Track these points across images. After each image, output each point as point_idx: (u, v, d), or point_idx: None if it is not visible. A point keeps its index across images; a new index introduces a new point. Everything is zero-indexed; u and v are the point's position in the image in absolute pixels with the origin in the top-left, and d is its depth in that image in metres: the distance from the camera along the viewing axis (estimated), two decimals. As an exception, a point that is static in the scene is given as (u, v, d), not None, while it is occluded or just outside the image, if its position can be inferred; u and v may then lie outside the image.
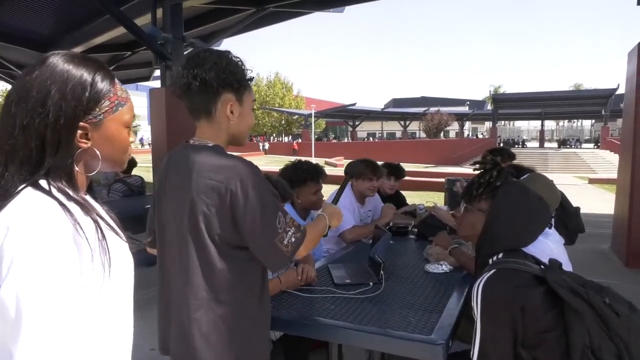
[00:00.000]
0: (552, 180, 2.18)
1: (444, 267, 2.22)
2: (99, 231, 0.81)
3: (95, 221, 0.82)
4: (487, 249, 1.51)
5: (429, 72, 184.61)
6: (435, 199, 10.37)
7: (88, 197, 0.91)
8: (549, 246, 2.06)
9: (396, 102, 59.04)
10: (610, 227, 6.14)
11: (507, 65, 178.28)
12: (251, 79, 1.38)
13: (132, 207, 4.80)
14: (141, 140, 46.36)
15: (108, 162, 0.90)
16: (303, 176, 2.60)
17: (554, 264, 1.43)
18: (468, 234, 1.65)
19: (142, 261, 4.70)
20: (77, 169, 0.85)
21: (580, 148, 35.95)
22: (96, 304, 0.81)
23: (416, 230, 3.05)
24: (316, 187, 2.62)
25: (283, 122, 46.69)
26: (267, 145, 40.78)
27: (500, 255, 1.47)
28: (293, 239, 1.29)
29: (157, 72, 9.65)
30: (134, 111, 0.94)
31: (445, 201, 7.50)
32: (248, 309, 1.31)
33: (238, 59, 1.35)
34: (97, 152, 0.86)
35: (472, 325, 1.41)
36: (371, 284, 2.00)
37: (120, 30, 7.86)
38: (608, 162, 24.56)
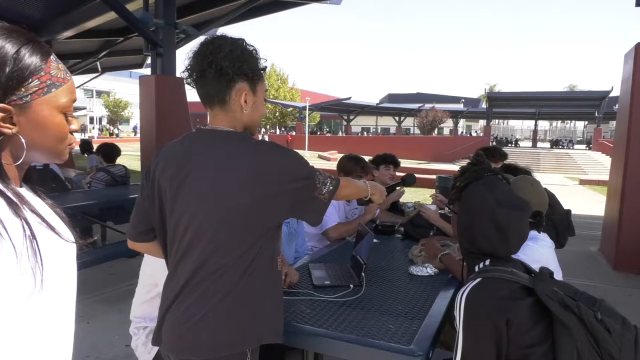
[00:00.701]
0: (538, 182, 2.10)
1: (429, 270, 2.14)
2: (27, 229, 0.70)
3: (23, 218, 0.70)
4: (470, 254, 1.44)
5: (425, 69, 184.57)
6: (429, 198, 10.31)
7: (25, 190, 0.80)
8: (538, 252, 1.99)
9: (391, 98, 58.90)
10: (599, 229, 6.12)
11: (503, 64, 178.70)
12: (264, 69, 1.35)
13: (115, 197, 4.68)
14: (134, 128, 45.91)
15: (39, 151, 0.79)
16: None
17: (544, 274, 1.35)
18: (454, 235, 1.59)
19: (124, 252, 4.58)
20: (2, 158, 0.74)
21: (573, 149, 36.12)
22: (24, 315, 0.71)
23: (403, 229, 2.97)
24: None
25: (277, 114, 46.43)
26: (266, 138, 40.14)
27: (488, 262, 1.39)
28: (331, 187, 1.32)
29: (150, 60, 9.48)
30: (74, 94, 0.82)
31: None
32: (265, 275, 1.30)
33: (252, 48, 1.31)
34: (22, 140, 0.75)
35: (456, 333, 1.34)
36: (351, 286, 1.91)
37: (112, 15, 7.69)
38: (599, 164, 24.71)
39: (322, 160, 24.37)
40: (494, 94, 36.13)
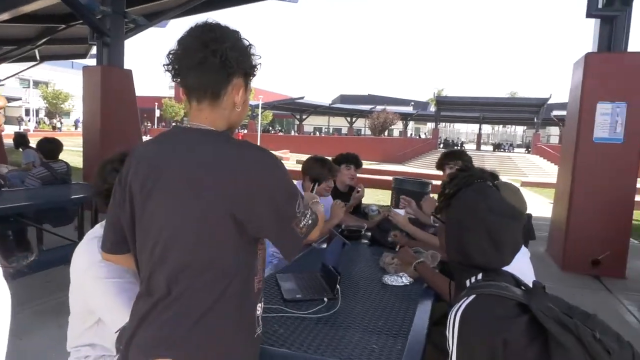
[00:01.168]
0: (518, 189, 2.06)
1: (403, 280, 2.04)
2: None
3: None
4: (460, 268, 1.34)
5: (377, 71, 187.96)
6: (385, 199, 10.39)
7: None
8: (518, 260, 1.96)
9: (343, 98, 59.37)
10: (544, 229, 6.36)
11: (450, 69, 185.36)
12: (256, 66, 1.22)
13: (55, 197, 4.28)
14: (76, 122, 43.33)
15: None
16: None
17: (538, 288, 1.28)
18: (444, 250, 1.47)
19: (63, 259, 4.18)
20: None
21: (513, 152, 38.03)
22: None
23: (370, 234, 2.87)
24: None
25: (229, 111, 45.47)
26: None
27: (480, 276, 1.30)
28: (310, 222, 1.17)
29: (95, 50, 8.84)
30: None
31: (392, 200, 7.52)
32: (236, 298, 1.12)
33: (249, 43, 1.20)
34: None
35: (438, 354, 1.24)
36: (326, 300, 1.78)
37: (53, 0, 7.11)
38: (538, 167, 26.14)
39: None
40: (442, 98, 37.27)
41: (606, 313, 3.86)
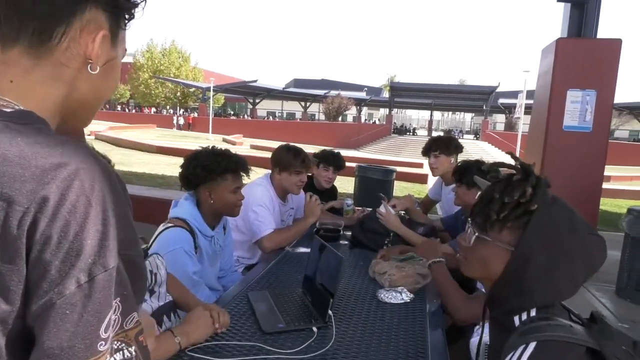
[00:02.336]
0: None
1: (403, 297, 1.70)
2: None
3: None
4: (510, 303, 1.00)
5: (330, 56, 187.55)
6: (345, 186, 10.05)
7: None
8: None
9: (297, 83, 58.56)
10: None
11: (402, 56, 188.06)
12: (136, 5, 0.67)
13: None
14: None
15: None
16: (223, 165, 1.88)
17: (603, 323, 0.97)
18: (477, 274, 1.11)
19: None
20: None
21: (463, 139, 39.07)
22: None
23: (350, 235, 2.51)
24: (236, 184, 1.92)
25: (178, 94, 43.63)
26: (181, 120, 35.79)
27: (533, 313, 0.97)
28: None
29: None
30: None
31: (355, 188, 7.22)
32: None
33: None
34: None
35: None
36: (315, 329, 1.40)
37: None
38: (487, 153, 26.90)
39: (227, 144, 23.21)
40: (396, 84, 37.54)
41: (576, 303, 3.76)
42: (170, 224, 1.80)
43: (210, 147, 1.97)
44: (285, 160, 2.51)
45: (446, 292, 1.67)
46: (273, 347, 1.29)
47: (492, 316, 1.06)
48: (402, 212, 2.86)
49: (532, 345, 0.88)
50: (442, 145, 2.99)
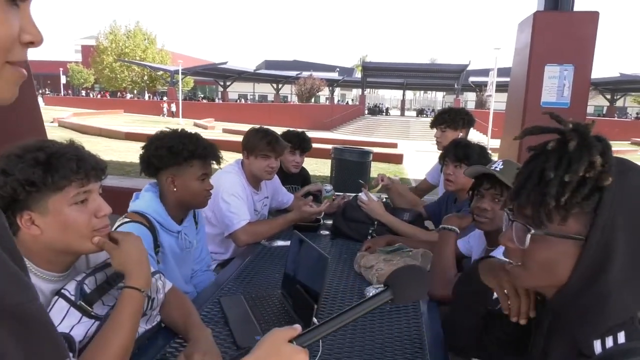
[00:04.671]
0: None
1: (393, 294, 1.54)
2: None
3: None
4: (591, 317, 0.72)
5: (301, 36, 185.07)
6: (321, 169, 9.86)
7: None
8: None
9: (268, 64, 57.48)
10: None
11: (374, 36, 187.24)
12: None
13: None
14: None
15: None
16: (190, 149, 1.65)
17: None
18: (541, 283, 0.80)
19: None
20: None
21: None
22: None
23: (332, 224, 2.33)
24: (204, 170, 1.69)
25: (146, 77, 42.21)
26: (174, 108, 32.30)
27: (622, 338, 0.70)
28: None
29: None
30: None
31: (332, 171, 7.05)
32: None
33: None
34: None
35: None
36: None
37: None
38: (460, 131, 27.14)
39: (198, 128, 22.59)
40: (368, 64, 37.19)
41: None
42: (126, 219, 1.57)
43: (179, 130, 1.74)
44: (251, 143, 2.30)
45: (440, 263, 1.56)
46: (250, 366, 1.10)
47: (554, 343, 0.81)
48: (384, 198, 2.71)
49: None
50: (448, 119, 2.81)
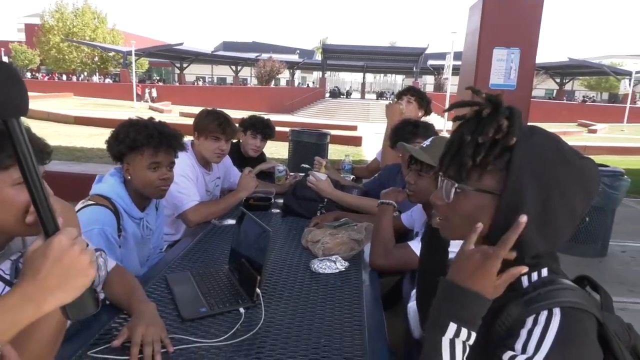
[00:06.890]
0: None
1: (337, 265, 1.60)
2: None
3: None
4: (512, 264, 0.81)
5: (261, 17, 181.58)
6: (280, 152, 9.83)
7: None
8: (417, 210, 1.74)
9: (227, 46, 56.26)
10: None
11: (334, 18, 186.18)
12: None
13: None
14: None
15: None
16: (134, 137, 1.63)
17: (606, 294, 0.88)
18: (462, 234, 0.88)
19: None
20: None
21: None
22: None
23: (282, 203, 2.37)
24: (153, 159, 1.68)
25: (96, 58, 40.32)
26: (155, 93, 31.35)
27: (545, 272, 0.84)
28: None
29: None
30: None
31: (289, 153, 7.07)
32: None
33: None
34: None
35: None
36: (242, 310, 1.27)
37: None
38: (418, 114, 27.66)
39: (155, 112, 21.92)
40: (328, 46, 37.07)
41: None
42: (90, 202, 1.55)
43: (148, 118, 1.72)
44: (202, 123, 2.29)
45: (379, 234, 1.64)
46: (194, 336, 1.14)
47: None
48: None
49: (557, 312, 0.76)
50: (416, 93, 2.96)
